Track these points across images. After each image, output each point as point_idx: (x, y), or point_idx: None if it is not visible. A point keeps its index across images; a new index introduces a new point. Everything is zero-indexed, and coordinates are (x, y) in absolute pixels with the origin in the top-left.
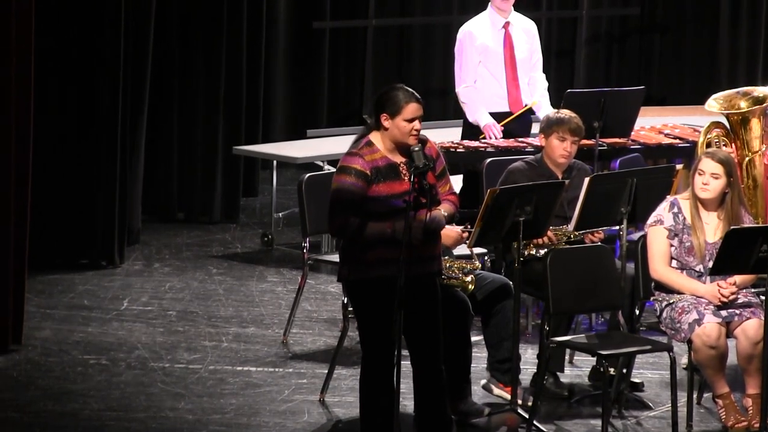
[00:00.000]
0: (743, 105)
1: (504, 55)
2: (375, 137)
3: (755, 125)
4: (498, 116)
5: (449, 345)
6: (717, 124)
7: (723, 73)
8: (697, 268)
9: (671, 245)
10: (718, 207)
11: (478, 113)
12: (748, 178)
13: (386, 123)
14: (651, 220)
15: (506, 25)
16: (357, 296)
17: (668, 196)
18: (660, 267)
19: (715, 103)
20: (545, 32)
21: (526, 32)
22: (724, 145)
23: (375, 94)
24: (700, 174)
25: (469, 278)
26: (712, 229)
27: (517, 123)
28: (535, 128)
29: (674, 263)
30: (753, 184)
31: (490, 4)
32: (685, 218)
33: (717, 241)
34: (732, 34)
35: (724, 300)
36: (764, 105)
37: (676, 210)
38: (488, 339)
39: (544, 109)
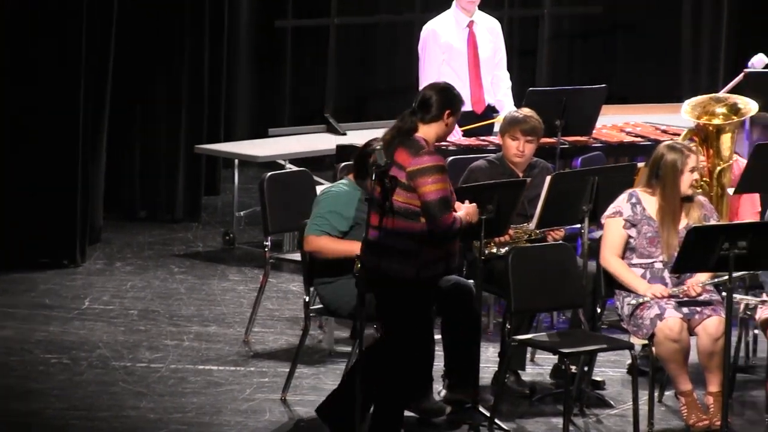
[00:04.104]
0: (719, 111)
1: (468, 55)
2: (424, 132)
3: (729, 136)
4: (461, 115)
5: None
6: (695, 132)
7: (685, 72)
8: (660, 259)
9: (630, 236)
10: (686, 201)
11: None
12: (716, 186)
13: (448, 120)
14: (609, 211)
15: (470, 24)
16: (416, 295)
17: (628, 189)
18: (610, 257)
19: (690, 109)
20: (507, 31)
21: (490, 31)
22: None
23: (436, 89)
24: (692, 171)
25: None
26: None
27: (478, 120)
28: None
29: (635, 255)
30: (720, 192)
31: (454, 3)
32: (644, 209)
33: (682, 230)
34: (694, 33)
35: (656, 297)
36: (743, 119)
37: (635, 201)
38: (445, 341)
39: (507, 107)
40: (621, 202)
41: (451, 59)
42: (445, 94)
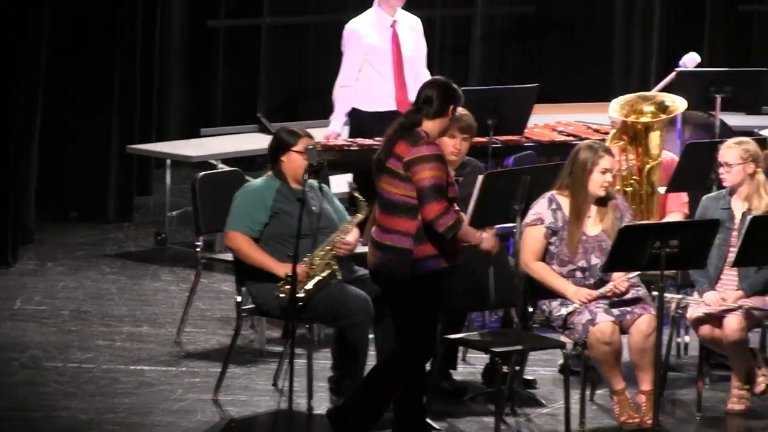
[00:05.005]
0: (647, 109)
1: (392, 55)
2: (428, 127)
3: (658, 134)
4: (386, 115)
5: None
6: (623, 131)
7: (617, 71)
8: (580, 264)
9: (551, 243)
10: (597, 200)
11: (337, 118)
12: (646, 184)
13: (452, 115)
14: (530, 218)
15: (393, 24)
16: (434, 286)
17: (545, 193)
18: (531, 262)
19: (618, 107)
20: (440, 30)
21: (412, 29)
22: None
23: (440, 83)
24: (603, 172)
25: (327, 271)
26: (593, 222)
27: None
28: None
29: (555, 262)
30: (650, 190)
31: (376, 2)
32: (564, 215)
33: (599, 233)
34: (626, 32)
35: (583, 303)
36: (671, 117)
37: (555, 206)
38: (378, 340)
39: None
40: (542, 209)
41: (374, 60)
42: (448, 90)
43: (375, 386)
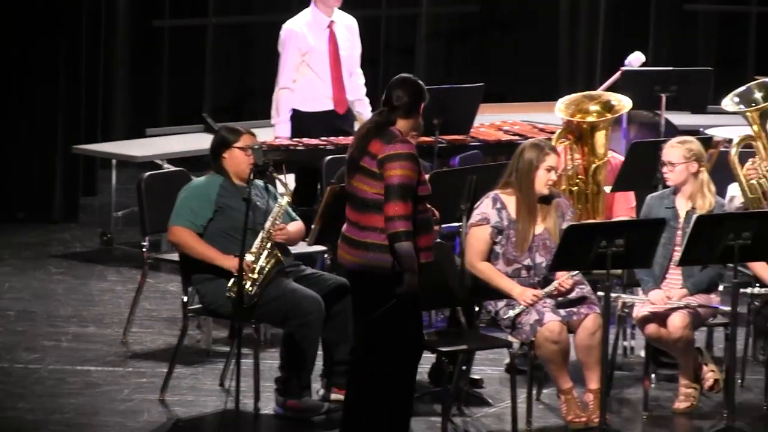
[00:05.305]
0: (592, 109)
1: (329, 55)
2: (401, 126)
3: (604, 134)
4: (323, 115)
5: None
6: (568, 131)
7: (563, 70)
8: (525, 262)
9: (496, 243)
10: (540, 199)
11: (284, 121)
12: (592, 184)
13: (421, 112)
14: (476, 218)
15: (331, 24)
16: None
17: (489, 192)
18: (477, 262)
19: (564, 107)
20: (385, 29)
21: (348, 29)
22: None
23: (403, 81)
24: (548, 170)
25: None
26: (536, 220)
27: (341, 119)
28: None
29: (501, 261)
30: (596, 189)
31: (312, 2)
32: (509, 214)
33: (542, 232)
34: (571, 32)
35: (530, 304)
36: (617, 116)
37: (499, 206)
38: (325, 340)
39: (366, 104)
40: (487, 209)
41: (312, 60)
42: (418, 88)
43: (379, 396)
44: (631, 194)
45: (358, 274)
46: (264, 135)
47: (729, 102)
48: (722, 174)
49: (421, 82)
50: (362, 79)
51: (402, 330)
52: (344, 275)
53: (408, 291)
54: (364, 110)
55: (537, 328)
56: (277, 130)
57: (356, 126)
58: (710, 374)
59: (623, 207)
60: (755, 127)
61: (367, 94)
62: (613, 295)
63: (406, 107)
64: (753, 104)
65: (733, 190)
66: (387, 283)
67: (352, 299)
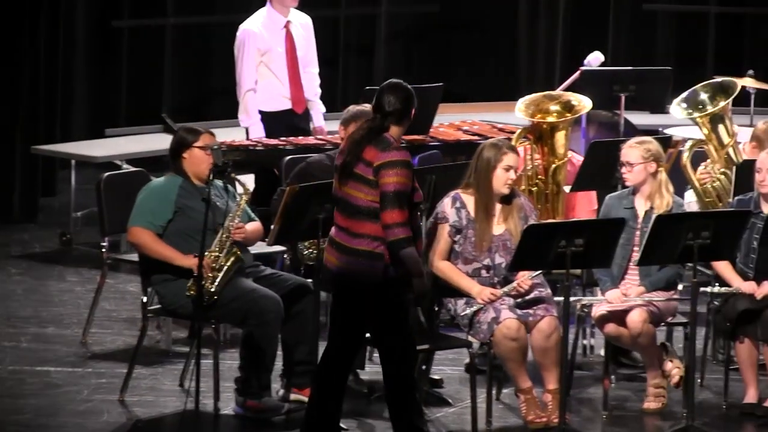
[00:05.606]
0: (553, 109)
1: (286, 54)
2: (394, 131)
3: (563, 134)
4: (282, 115)
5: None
6: (528, 131)
7: (522, 70)
8: (485, 262)
9: (455, 242)
10: (501, 199)
11: (256, 123)
12: (552, 184)
13: (412, 118)
14: (435, 217)
15: (287, 24)
16: (405, 288)
17: (450, 192)
18: (438, 261)
19: (524, 107)
20: (344, 29)
21: (304, 27)
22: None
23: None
24: (506, 169)
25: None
26: (496, 221)
27: (300, 118)
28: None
29: (460, 260)
30: (556, 189)
31: (268, 3)
32: (468, 213)
33: (503, 232)
34: (530, 31)
35: (487, 302)
36: (576, 116)
37: (459, 205)
38: (285, 340)
39: (317, 105)
40: (446, 208)
41: (269, 60)
42: (408, 93)
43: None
44: (593, 195)
45: (345, 279)
46: (223, 135)
47: (677, 108)
48: (681, 174)
49: (408, 87)
50: (317, 79)
51: (406, 330)
52: (329, 279)
53: (420, 295)
54: (315, 114)
55: (494, 326)
56: (252, 132)
57: (311, 125)
58: (676, 370)
59: (585, 209)
60: (705, 131)
61: (327, 94)
62: (572, 298)
63: (398, 113)
64: (700, 106)
65: (690, 196)
66: (375, 289)
67: (334, 303)
